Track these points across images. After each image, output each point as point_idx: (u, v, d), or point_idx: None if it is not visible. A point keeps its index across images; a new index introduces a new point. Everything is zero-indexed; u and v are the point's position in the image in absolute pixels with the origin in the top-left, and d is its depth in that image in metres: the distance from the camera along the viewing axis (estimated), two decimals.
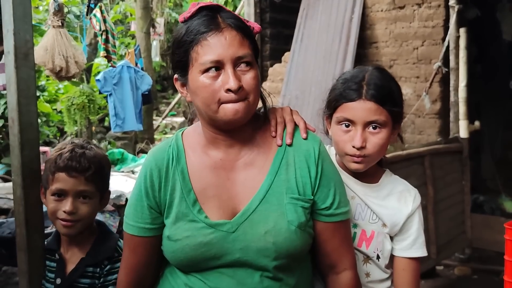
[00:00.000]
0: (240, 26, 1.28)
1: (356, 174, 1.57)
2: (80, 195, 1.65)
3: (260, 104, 1.43)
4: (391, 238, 1.57)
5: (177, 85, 1.36)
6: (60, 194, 1.64)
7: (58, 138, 8.66)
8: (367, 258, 1.56)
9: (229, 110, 1.25)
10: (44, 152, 4.79)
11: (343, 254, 1.40)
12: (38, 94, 8.33)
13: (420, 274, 1.61)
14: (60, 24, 3.58)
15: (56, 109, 7.94)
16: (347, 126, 1.50)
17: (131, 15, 11.39)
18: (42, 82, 7.51)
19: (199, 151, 1.37)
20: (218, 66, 1.25)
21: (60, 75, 3.60)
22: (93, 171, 1.66)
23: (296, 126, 1.40)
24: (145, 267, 1.41)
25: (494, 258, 4.22)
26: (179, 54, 1.30)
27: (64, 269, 1.69)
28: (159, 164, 1.36)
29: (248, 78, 1.27)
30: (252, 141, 1.37)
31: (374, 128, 1.48)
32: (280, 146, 1.36)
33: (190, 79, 1.29)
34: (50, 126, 9.00)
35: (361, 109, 1.47)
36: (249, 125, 1.35)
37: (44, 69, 3.73)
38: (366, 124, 1.48)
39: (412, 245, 1.55)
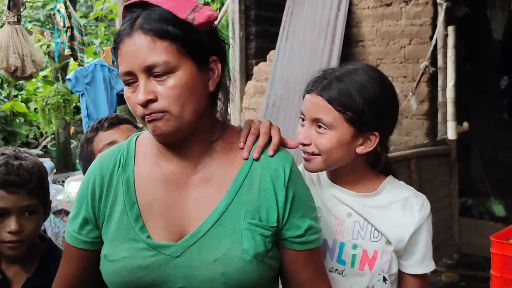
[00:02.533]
0: (154, 26, 1.07)
1: (351, 185, 1.40)
2: (24, 211, 1.49)
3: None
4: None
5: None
6: (2, 214, 1.48)
7: (38, 138, 8.45)
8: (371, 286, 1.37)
9: (150, 126, 1.10)
10: None
11: (318, 283, 1.23)
12: (15, 93, 8.14)
13: None
14: (16, 20, 3.31)
15: (36, 109, 7.76)
16: (303, 120, 1.38)
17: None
18: (20, 81, 7.31)
19: (151, 160, 1.20)
20: (134, 77, 1.09)
21: (16, 75, 3.34)
22: (35, 183, 1.51)
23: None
24: (79, 282, 1.25)
25: (483, 264, 4.12)
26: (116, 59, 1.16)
27: None
28: (103, 170, 1.20)
29: (164, 88, 1.07)
30: (212, 153, 1.18)
31: (319, 127, 1.34)
32: (246, 159, 1.18)
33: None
34: (32, 125, 8.80)
35: (309, 102, 1.35)
36: (203, 136, 1.17)
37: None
38: (313, 121, 1.34)
39: (422, 261, 1.38)
